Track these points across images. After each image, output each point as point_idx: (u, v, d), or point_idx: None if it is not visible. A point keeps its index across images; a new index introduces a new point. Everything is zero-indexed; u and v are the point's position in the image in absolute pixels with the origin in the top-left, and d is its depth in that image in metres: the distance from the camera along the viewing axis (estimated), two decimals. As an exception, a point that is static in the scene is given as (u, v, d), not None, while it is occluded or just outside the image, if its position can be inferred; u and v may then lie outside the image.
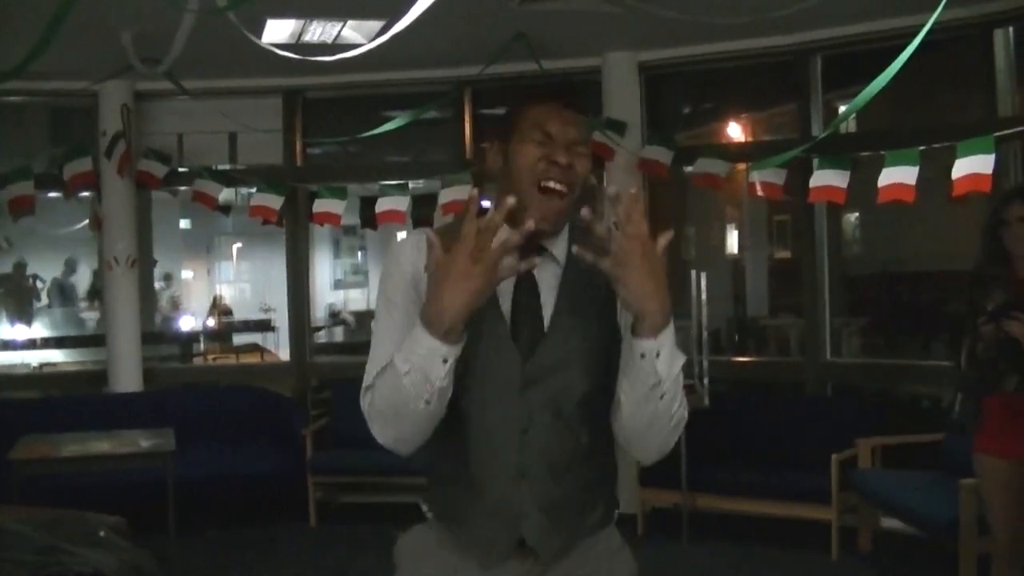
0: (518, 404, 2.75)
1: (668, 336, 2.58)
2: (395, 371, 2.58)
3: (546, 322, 2.78)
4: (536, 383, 2.75)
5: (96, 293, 14.38)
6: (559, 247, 2.82)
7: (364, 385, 2.74)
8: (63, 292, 15.75)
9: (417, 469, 2.95)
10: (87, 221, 10.60)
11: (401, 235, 2.61)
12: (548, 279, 2.80)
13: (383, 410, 2.67)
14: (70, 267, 15.70)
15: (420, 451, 2.82)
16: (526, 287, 2.78)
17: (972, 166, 7.04)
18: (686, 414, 2.73)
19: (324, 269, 17.87)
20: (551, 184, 2.71)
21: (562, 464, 2.79)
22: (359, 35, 8.01)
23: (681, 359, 2.63)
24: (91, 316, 15.27)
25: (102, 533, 5.45)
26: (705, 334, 8.60)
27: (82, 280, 16.06)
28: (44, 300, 15.80)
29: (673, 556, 7.90)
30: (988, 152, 7.03)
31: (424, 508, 2.96)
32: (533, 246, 2.72)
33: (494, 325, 2.74)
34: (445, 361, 2.54)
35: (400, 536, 3.00)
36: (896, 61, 5.73)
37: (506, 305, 2.77)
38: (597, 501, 2.91)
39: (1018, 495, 5.27)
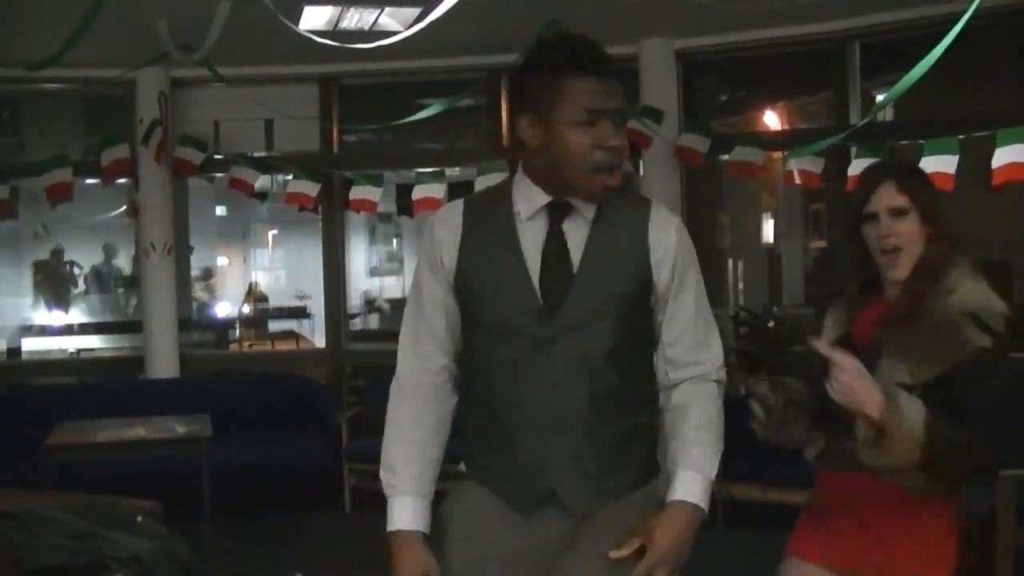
0: (545, 357, 2.85)
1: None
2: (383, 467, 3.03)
3: (574, 273, 2.87)
4: (563, 336, 2.85)
5: (131, 280, 14.43)
6: (588, 206, 2.91)
7: (396, 372, 3.07)
8: (100, 279, 15.80)
9: (453, 447, 3.14)
10: (124, 208, 10.65)
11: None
12: (576, 236, 2.90)
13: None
14: (109, 253, 15.75)
15: (459, 411, 3.07)
16: (555, 242, 2.89)
17: (1012, 155, 6.98)
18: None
19: (360, 256, 17.86)
20: (609, 178, 2.82)
21: (590, 418, 2.88)
22: (396, 22, 8.01)
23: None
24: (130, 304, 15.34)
25: (138, 519, 5.48)
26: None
27: (123, 267, 16.10)
28: (81, 286, 15.86)
29: (708, 545, 7.85)
30: (1029, 141, 6.98)
31: (462, 467, 3.05)
32: (564, 207, 2.89)
33: (518, 283, 2.86)
34: None
35: (445, 499, 3.07)
36: (936, 48, 5.68)
37: (534, 260, 2.88)
38: (629, 460, 2.97)
39: None
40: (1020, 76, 8.19)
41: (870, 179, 3.39)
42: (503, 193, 2.98)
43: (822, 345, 3.03)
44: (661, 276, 2.93)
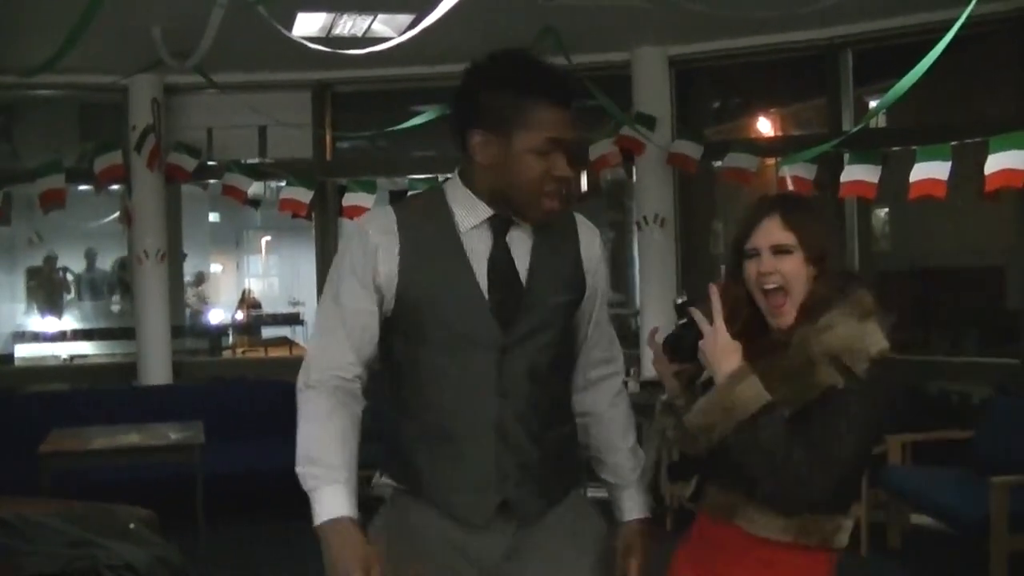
0: (497, 369, 2.85)
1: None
2: (301, 457, 2.89)
3: (523, 285, 2.88)
4: (515, 347, 2.85)
5: (120, 285, 14.44)
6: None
7: (304, 379, 2.92)
8: (93, 285, 15.80)
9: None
10: (117, 214, 10.64)
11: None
12: (520, 247, 2.90)
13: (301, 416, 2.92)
14: (91, 258, 15.74)
15: (386, 424, 3.03)
16: (501, 254, 2.88)
17: (1005, 162, 6.96)
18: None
19: (353, 263, 17.88)
20: (554, 203, 2.83)
21: (539, 425, 2.90)
22: (389, 29, 8.02)
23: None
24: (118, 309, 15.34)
25: (131, 526, 5.47)
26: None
27: (107, 271, 16.09)
28: (73, 293, 15.85)
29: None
30: (1021, 148, 6.96)
31: (388, 484, 3.05)
32: (506, 221, 2.88)
33: (470, 295, 2.84)
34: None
35: (376, 516, 3.05)
36: (929, 55, 5.69)
37: (481, 271, 2.86)
38: (567, 463, 3.03)
39: None
40: (1017, 82, 8.19)
41: (755, 212, 3.03)
42: (438, 202, 2.91)
43: (697, 314, 2.88)
44: (590, 283, 3.01)
